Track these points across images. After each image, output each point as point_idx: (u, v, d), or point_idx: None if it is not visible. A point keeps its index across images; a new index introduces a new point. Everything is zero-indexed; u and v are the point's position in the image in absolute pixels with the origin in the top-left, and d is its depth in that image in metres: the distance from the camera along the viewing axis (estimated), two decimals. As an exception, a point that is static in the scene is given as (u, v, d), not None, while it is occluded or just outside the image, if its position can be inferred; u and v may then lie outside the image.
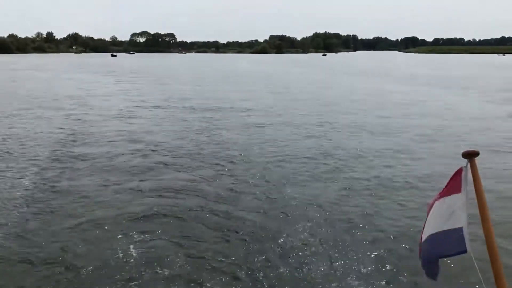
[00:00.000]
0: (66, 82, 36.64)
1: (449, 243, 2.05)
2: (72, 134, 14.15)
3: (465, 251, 1.98)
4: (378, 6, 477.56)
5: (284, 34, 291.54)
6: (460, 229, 2.01)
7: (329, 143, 12.91)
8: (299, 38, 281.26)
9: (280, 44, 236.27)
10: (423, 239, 2.19)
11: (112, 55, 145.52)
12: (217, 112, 19.29)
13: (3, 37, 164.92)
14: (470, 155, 2.04)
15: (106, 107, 20.82)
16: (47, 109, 19.94)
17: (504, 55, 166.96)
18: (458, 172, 2.09)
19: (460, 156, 2.02)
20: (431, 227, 2.16)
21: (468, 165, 2.05)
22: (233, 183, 8.97)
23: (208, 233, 6.57)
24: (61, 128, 15.13)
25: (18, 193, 8.26)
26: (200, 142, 13.11)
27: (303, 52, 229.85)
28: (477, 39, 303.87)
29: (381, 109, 20.39)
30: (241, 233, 6.55)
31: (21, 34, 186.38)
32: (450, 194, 2.11)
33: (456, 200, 2.07)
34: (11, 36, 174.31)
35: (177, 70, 59.65)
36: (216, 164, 10.47)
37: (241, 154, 11.47)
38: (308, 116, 17.83)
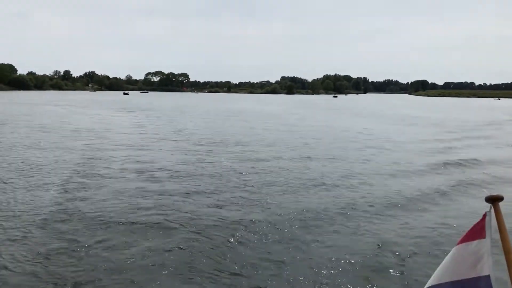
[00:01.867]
0: (81, 117, 38.22)
1: None
2: (91, 158, 16.05)
3: None
4: (390, 49, 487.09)
5: (295, 76, 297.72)
6: (488, 277, 1.98)
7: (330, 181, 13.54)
8: (310, 80, 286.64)
9: (290, 85, 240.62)
10: (439, 283, 2.11)
11: (124, 93, 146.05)
12: (218, 145, 20.48)
13: (23, 75, 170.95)
14: (493, 200, 2.02)
15: (120, 138, 22.50)
16: (67, 138, 21.84)
17: (499, 99, 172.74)
18: (483, 217, 2.06)
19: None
20: (452, 273, 2.09)
21: (492, 210, 2.03)
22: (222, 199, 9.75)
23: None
24: (82, 156, 16.63)
25: (44, 203, 9.74)
26: (203, 169, 14.35)
27: (313, 93, 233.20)
28: (487, 84, 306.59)
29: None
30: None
31: (40, 72, 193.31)
32: (474, 239, 2.06)
33: (481, 246, 2.03)
34: (30, 73, 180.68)
35: (188, 108, 61.25)
36: (212, 186, 11.50)
37: (238, 178, 12.74)
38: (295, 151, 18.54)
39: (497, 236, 1.93)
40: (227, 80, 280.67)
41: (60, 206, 9.52)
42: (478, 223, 2.06)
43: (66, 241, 7.43)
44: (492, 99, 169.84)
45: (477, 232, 2.05)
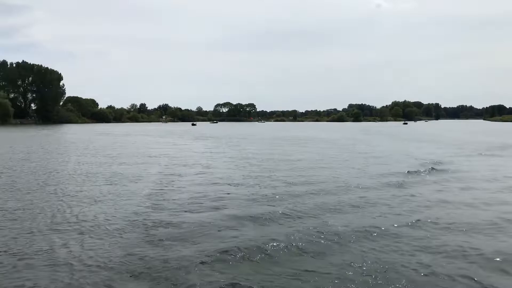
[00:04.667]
0: (156, 144, 42.45)
1: None
2: (171, 174, 19.38)
3: None
4: (463, 74, 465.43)
5: (363, 103, 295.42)
6: None
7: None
8: (378, 107, 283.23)
9: (357, 113, 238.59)
10: None
11: (192, 124, 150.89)
12: (271, 165, 22.77)
13: (103, 108, 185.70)
14: None
15: (192, 160, 25.97)
16: (147, 161, 25.69)
17: None
18: None
19: None
20: None
21: None
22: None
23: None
24: (160, 172, 20.00)
25: (130, 208, 12.08)
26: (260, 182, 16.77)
27: (381, 120, 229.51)
28: None
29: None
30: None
31: (118, 105, 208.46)
32: None
33: None
34: (109, 107, 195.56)
35: (253, 135, 64.65)
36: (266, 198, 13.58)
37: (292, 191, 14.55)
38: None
39: None
40: (293, 109, 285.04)
41: (146, 205, 12.39)
42: None
43: (145, 230, 9.72)
44: None
45: None
